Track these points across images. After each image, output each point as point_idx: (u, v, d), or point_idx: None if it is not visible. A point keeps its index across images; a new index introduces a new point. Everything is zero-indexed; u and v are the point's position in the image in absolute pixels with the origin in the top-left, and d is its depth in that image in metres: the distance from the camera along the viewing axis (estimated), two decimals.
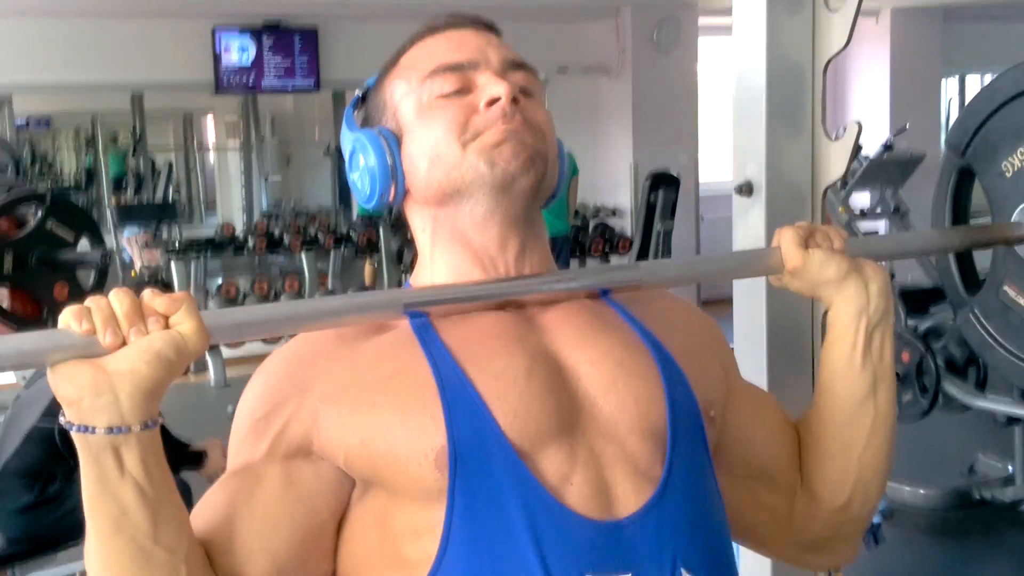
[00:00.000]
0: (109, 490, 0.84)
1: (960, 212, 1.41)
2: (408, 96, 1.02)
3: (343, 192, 9.48)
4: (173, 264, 6.78)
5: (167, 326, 0.85)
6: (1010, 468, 4.16)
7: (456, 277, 1.02)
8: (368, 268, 7.22)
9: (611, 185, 8.12)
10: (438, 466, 0.90)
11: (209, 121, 10.46)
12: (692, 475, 0.97)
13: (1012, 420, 3.94)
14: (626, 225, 7.90)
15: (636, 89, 7.85)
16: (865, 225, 7.59)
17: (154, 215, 8.95)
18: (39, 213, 3.50)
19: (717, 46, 8.65)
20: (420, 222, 1.05)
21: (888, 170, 7.72)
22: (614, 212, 8.03)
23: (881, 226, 7.85)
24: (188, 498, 2.83)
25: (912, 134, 7.55)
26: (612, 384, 0.96)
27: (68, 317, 0.84)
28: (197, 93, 7.78)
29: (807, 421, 1.15)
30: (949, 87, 9.72)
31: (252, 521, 0.92)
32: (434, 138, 0.99)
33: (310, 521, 0.94)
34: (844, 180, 7.55)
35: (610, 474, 0.93)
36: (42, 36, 6.47)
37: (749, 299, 1.51)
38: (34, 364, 0.86)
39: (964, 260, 1.36)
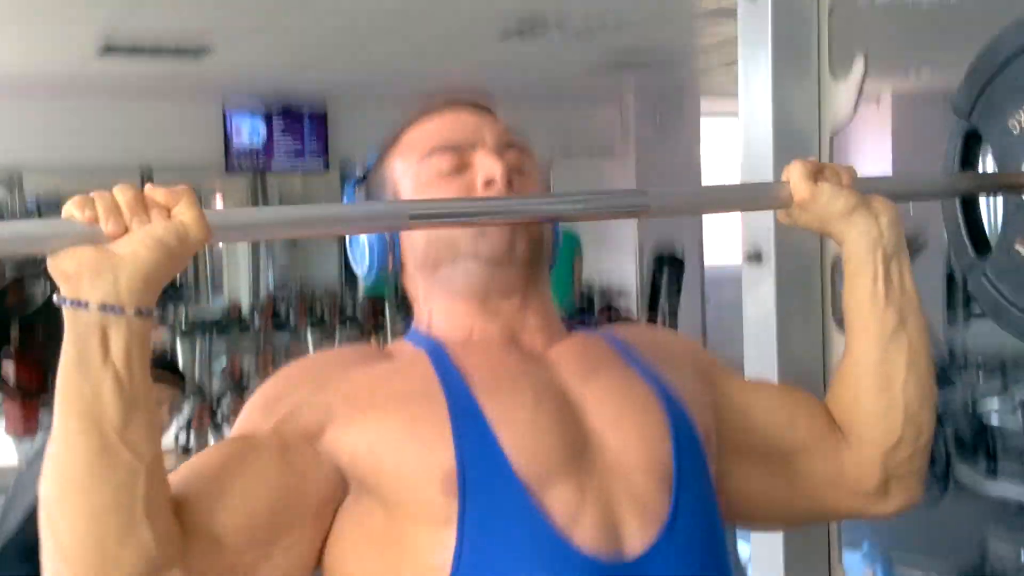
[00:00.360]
0: (87, 373, 0.84)
1: None
2: (407, 174, 1.07)
3: (349, 273, 9.52)
4: (179, 343, 6.78)
5: (169, 217, 0.87)
6: (1023, 555, 4.08)
7: (454, 325, 1.05)
8: None
9: (616, 265, 8.15)
10: (445, 490, 0.90)
11: (218, 201, 10.57)
12: (698, 511, 0.98)
13: None
14: (632, 305, 7.91)
15: (640, 171, 7.92)
16: None
17: (161, 295, 8.96)
18: (47, 288, 3.53)
19: (720, 128, 8.75)
20: (416, 285, 1.09)
21: None
22: (619, 293, 8.04)
23: None
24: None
25: (917, 216, 7.64)
26: (618, 419, 0.98)
27: (71, 206, 0.85)
28: (207, 173, 7.87)
29: (842, 370, 1.15)
30: None
31: (240, 477, 0.92)
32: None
33: (295, 499, 0.94)
34: None
35: (618, 512, 0.94)
36: (52, 116, 6.56)
37: (757, 287, 1.50)
38: (37, 249, 0.86)
39: (973, 222, 1.33)
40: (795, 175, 1.11)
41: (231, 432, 0.99)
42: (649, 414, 0.99)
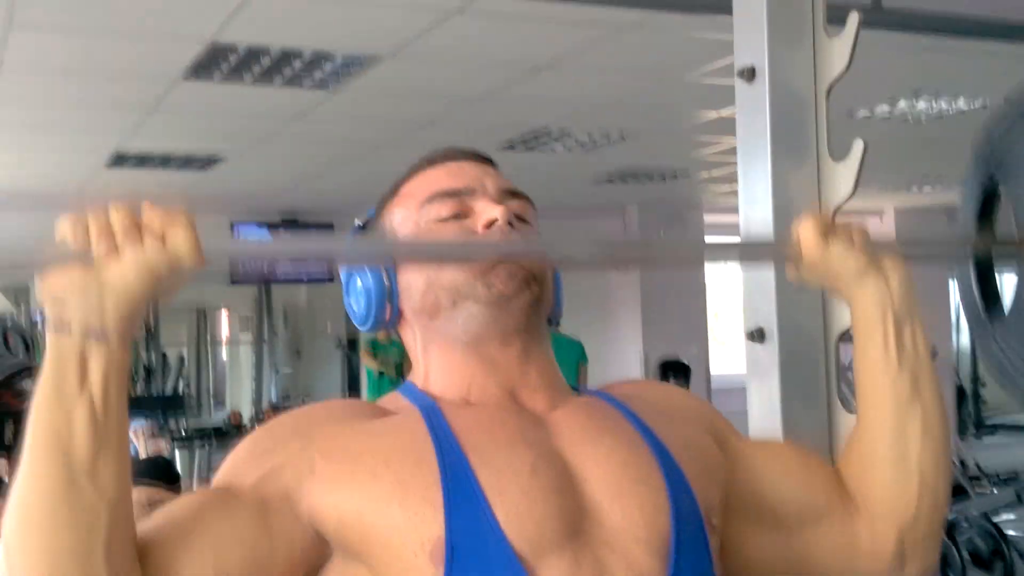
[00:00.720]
0: (62, 400, 0.81)
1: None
2: (406, 221, 1.05)
3: (352, 383, 9.49)
4: (177, 452, 6.71)
5: (164, 242, 0.85)
6: None
7: (451, 380, 1.02)
8: None
9: (621, 374, 8.09)
10: (433, 560, 0.86)
11: (223, 316, 10.60)
12: None
13: None
14: None
15: (644, 282, 7.95)
16: None
17: (162, 407, 8.94)
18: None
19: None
20: (411, 338, 1.06)
21: None
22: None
23: None
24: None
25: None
26: (618, 490, 0.94)
27: (64, 226, 0.84)
28: (212, 288, 7.90)
29: (855, 439, 1.11)
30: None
31: (214, 533, 0.88)
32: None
33: (264, 562, 0.89)
34: None
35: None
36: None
37: (759, 365, 1.46)
38: (27, 269, 0.85)
39: (986, 286, 1.28)
40: (806, 231, 1.08)
41: (213, 479, 0.95)
42: (650, 486, 0.95)
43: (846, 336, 1.41)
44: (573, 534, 0.90)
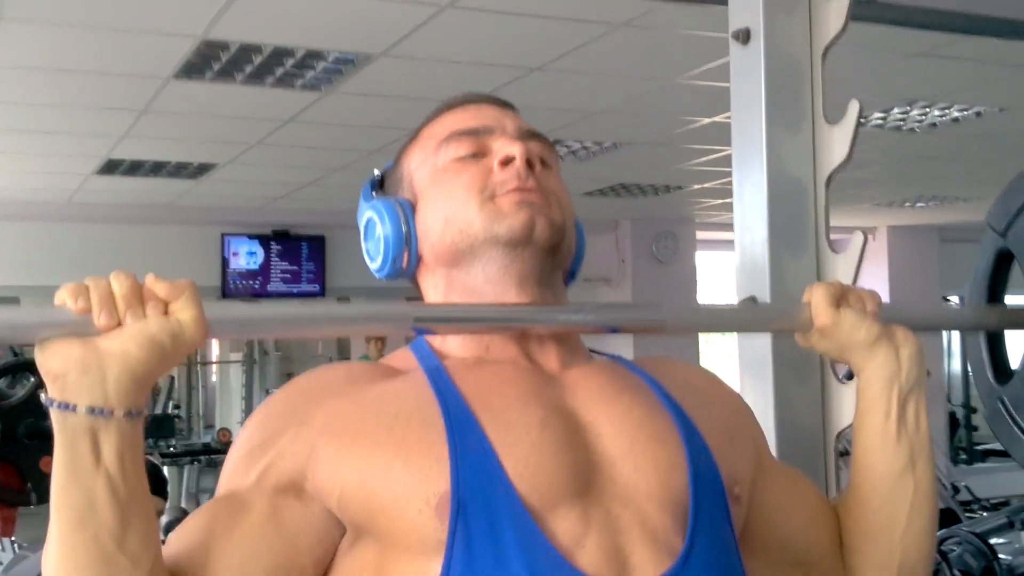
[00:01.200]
0: (80, 479, 0.79)
1: (997, 295, 1.34)
2: (424, 163, 1.03)
3: None
4: (166, 469, 6.65)
5: (167, 312, 0.82)
6: None
7: (469, 335, 0.99)
8: None
9: None
10: (439, 514, 0.83)
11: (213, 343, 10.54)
12: (715, 550, 0.89)
13: None
14: None
15: (636, 298, 7.93)
16: None
17: (151, 430, 8.88)
18: (29, 382, 3.47)
19: (716, 259, 8.80)
20: (433, 283, 1.03)
21: None
22: None
23: None
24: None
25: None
26: (631, 446, 0.91)
27: (64, 294, 0.81)
28: (203, 296, 7.85)
29: (846, 501, 1.08)
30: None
31: (229, 551, 0.86)
32: (449, 198, 0.99)
33: (290, 562, 0.87)
34: None
35: (626, 541, 0.86)
36: (51, 240, 6.60)
37: (755, 378, 1.42)
38: (24, 339, 0.82)
39: (995, 349, 1.28)
40: (817, 298, 1.06)
41: (219, 485, 0.93)
42: (666, 445, 0.92)
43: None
44: (584, 489, 0.88)
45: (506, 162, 0.98)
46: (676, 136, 5.05)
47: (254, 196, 6.53)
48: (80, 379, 0.79)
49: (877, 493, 1.05)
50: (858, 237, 1.38)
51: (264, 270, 7.20)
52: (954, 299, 9.92)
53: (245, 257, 7.16)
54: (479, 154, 1.00)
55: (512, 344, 0.98)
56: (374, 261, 1.04)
